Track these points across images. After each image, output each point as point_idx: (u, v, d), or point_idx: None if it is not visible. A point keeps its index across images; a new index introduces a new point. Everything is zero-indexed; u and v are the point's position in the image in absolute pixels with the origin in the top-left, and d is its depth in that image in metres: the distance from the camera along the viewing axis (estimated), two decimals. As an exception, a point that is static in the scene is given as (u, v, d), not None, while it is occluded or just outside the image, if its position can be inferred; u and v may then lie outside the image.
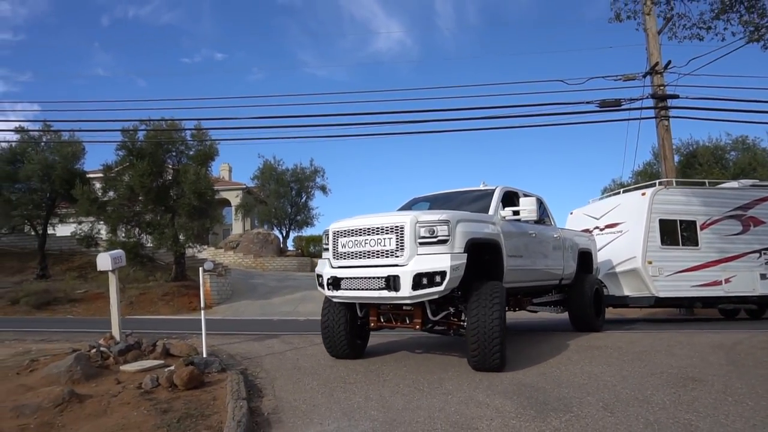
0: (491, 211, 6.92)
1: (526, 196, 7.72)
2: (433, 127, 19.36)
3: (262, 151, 41.74)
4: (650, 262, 11.35)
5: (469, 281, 5.75)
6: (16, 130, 21.03)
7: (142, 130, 19.61)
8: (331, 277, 6.06)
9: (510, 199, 7.50)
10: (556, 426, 3.90)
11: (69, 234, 25.65)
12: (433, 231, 5.50)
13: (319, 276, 6.41)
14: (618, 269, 11.72)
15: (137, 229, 20.11)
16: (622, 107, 17.94)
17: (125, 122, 20.08)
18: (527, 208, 6.78)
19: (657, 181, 12.57)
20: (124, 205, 19.80)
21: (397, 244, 5.59)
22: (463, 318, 6.03)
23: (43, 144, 21.61)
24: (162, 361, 6.50)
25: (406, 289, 5.40)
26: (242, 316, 17.83)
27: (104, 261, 6.91)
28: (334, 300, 6.37)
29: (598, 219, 12.84)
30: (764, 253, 12.30)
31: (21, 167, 20.10)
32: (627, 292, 11.65)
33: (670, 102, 17.53)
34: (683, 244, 11.88)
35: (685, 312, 14.90)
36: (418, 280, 5.36)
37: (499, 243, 6.44)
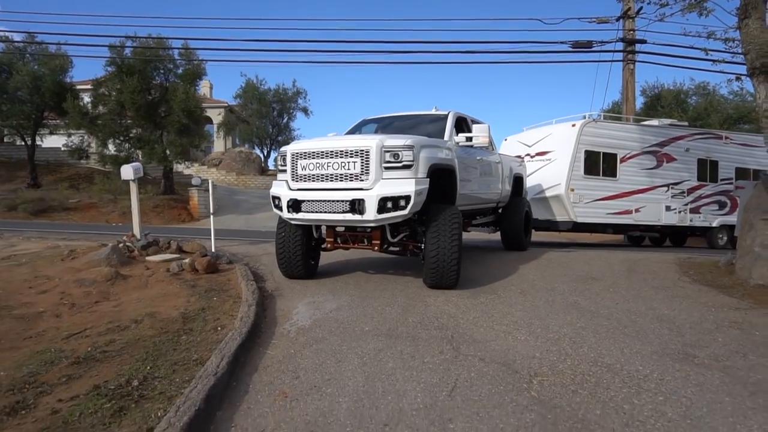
0: (446, 137, 7.01)
1: (474, 122, 8.11)
2: (412, 58, 20.14)
3: (246, 71, 41.44)
4: (572, 190, 12.24)
5: (426, 205, 5.91)
6: (1, 40, 21.12)
7: (129, 47, 20.00)
8: (291, 199, 5.95)
9: (459, 125, 7.73)
10: (482, 301, 5.62)
11: (57, 146, 26.29)
12: (398, 156, 5.56)
13: (276, 198, 6.26)
14: (544, 194, 12.55)
15: (127, 144, 20.96)
16: (594, 49, 19.13)
17: (112, 38, 20.38)
18: (480, 134, 6.92)
19: (586, 114, 13.17)
20: (113, 120, 20.52)
21: (361, 168, 5.60)
22: (418, 240, 6.31)
23: (28, 55, 21.75)
24: (178, 255, 8.01)
25: (371, 213, 5.47)
26: (230, 227, 19.31)
27: (127, 172, 8.17)
28: (293, 222, 6.28)
29: (530, 146, 13.49)
30: (672, 188, 13.53)
31: (9, 78, 20.42)
32: (549, 217, 12.63)
33: (638, 47, 18.69)
34: (603, 175, 12.73)
35: (628, 240, 16.76)
36: (383, 204, 5.46)
37: (454, 168, 6.64)
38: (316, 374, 3.69)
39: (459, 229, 5.85)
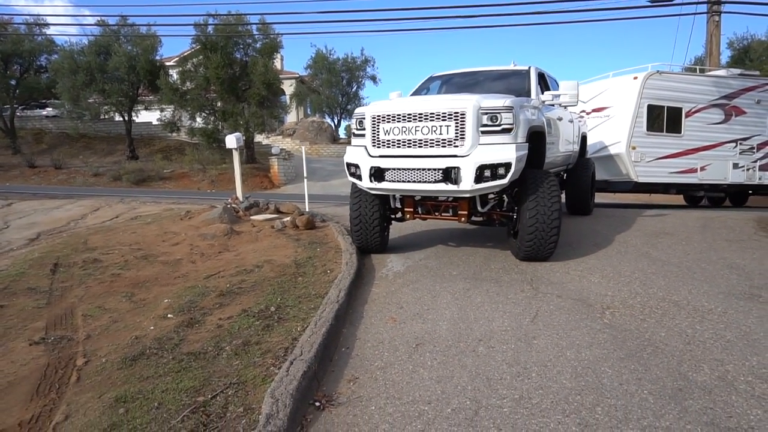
0: (533, 95, 6.43)
1: (551, 78, 7.69)
2: (479, 22, 20.03)
3: (315, 41, 42.42)
4: (634, 148, 11.55)
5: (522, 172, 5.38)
6: (99, 24, 23.15)
7: (211, 24, 21.27)
8: (373, 167, 5.42)
9: (540, 82, 7.11)
10: (558, 251, 5.91)
11: (148, 120, 28.56)
12: (497, 119, 5.01)
13: (353, 166, 5.69)
14: (601, 153, 11.82)
15: (213, 117, 22.52)
16: (674, 2, 18.27)
17: (195, 17, 21.67)
18: (569, 92, 6.28)
19: (649, 65, 12.12)
20: (200, 95, 22.08)
21: (456, 133, 5.04)
22: (506, 209, 5.86)
23: (122, 37, 23.65)
24: (277, 215, 9.00)
25: (467, 182, 4.97)
26: (309, 193, 20.50)
27: (231, 141, 9.17)
28: (374, 192, 5.75)
29: (585, 102, 12.47)
30: (740, 143, 12.62)
31: (108, 59, 22.39)
32: (608, 177, 11.94)
33: (724, -3, 17.68)
34: (667, 131, 11.93)
35: (687, 201, 15.61)
36: (481, 173, 4.95)
37: (544, 130, 6.04)
38: (416, 306, 4.43)
39: (559, 198, 5.40)
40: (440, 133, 5.12)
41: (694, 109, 12.16)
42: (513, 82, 6.82)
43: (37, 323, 4.23)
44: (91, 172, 23.03)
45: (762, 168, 12.95)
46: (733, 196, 14.55)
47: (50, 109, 30.76)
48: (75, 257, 6.47)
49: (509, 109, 5.03)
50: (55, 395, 3.00)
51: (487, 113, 5.03)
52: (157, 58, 23.76)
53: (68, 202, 12.60)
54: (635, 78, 11.75)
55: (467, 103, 5.05)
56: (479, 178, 4.97)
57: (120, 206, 11.76)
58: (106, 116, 25.91)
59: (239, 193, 9.53)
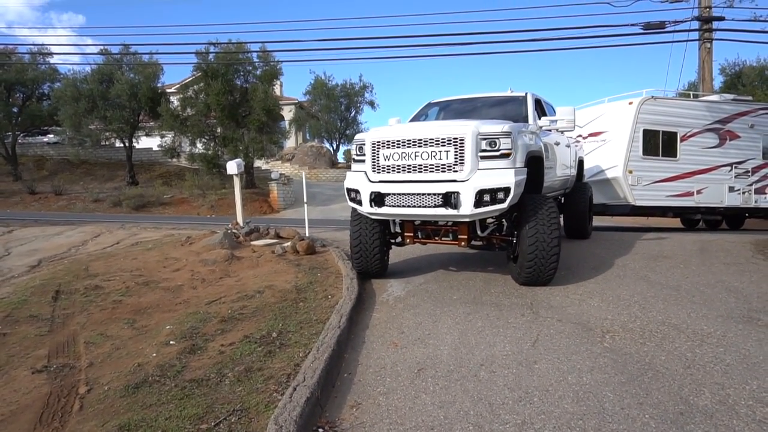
0: (530, 120, 6.51)
1: (547, 104, 7.71)
2: (476, 50, 20.45)
3: (314, 68, 43.09)
4: (631, 171, 11.65)
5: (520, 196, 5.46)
6: (102, 53, 23.53)
7: (212, 52, 21.64)
8: (373, 192, 5.45)
9: (536, 107, 7.18)
10: (557, 275, 5.97)
11: (148, 146, 28.79)
12: (495, 144, 5.08)
13: (354, 191, 5.71)
14: (598, 177, 11.89)
15: (213, 143, 22.73)
16: (667, 29, 18.67)
17: (197, 45, 22.09)
18: (565, 117, 6.42)
19: (644, 90, 12.28)
20: (201, 121, 22.33)
21: (455, 158, 5.11)
22: (505, 234, 5.94)
23: (124, 65, 24.03)
24: (277, 240, 9.05)
25: (467, 207, 5.02)
26: (309, 218, 20.57)
27: (232, 167, 9.27)
28: (374, 217, 5.82)
29: (581, 127, 12.43)
30: (735, 167, 12.74)
31: (110, 87, 22.69)
32: (605, 200, 11.97)
33: (715, 24, 18.08)
34: (663, 155, 12.03)
35: (683, 224, 15.67)
36: (480, 197, 5.01)
37: (542, 155, 6.14)
38: (417, 330, 4.45)
39: (558, 222, 5.45)
40: (440, 159, 5.19)
41: (689, 134, 12.30)
42: (510, 109, 6.94)
43: (40, 351, 4.24)
44: (91, 198, 23.13)
45: (757, 191, 13.02)
46: (730, 219, 14.61)
47: (51, 135, 31.01)
48: (76, 284, 6.49)
49: (507, 134, 5.11)
50: (58, 424, 3.00)
51: (485, 138, 5.11)
52: (159, 85, 24.11)
53: (69, 228, 12.65)
54: (630, 103, 11.93)
55: (466, 128, 5.14)
56: (479, 202, 5.03)
57: (121, 232, 11.80)
58: (107, 142, 26.12)
59: (239, 219, 9.59)
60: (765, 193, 13.16)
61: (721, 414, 2.83)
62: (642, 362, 3.55)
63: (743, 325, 4.25)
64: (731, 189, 12.67)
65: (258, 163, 28.64)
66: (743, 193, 12.83)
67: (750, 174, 12.93)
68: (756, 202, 13.01)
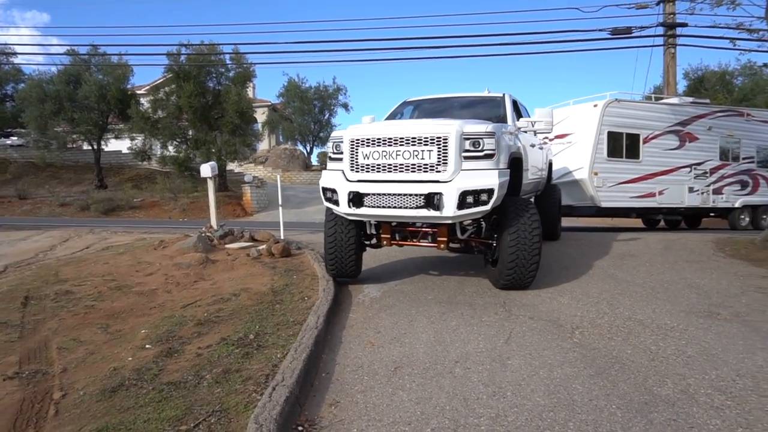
0: (509, 122, 6.40)
1: (522, 106, 7.75)
2: (448, 53, 20.70)
3: (287, 70, 42.89)
4: (596, 173, 11.78)
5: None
6: (68, 53, 23.01)
7: (184, 54, 21.38)
8: (352, 192, 5.27)
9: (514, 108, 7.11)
10: None
11: (118, 149, 28.20)
12: (479, 144, 4.98)
13: (330, 191, 5.52)
14: (565, 179, 11.95)
15: (184, 146, 22.43)
16: (633, 35, 19.23)
17: (168, 46, 21.80)
18: (544, 119, 6.32)
19: (608, 93, 12.44)
20: (172, 123, 22.01)
21: (438, 158, 4.97)
22: (484, 236, 5.76)
23: (92, 66, 23.51)
24: (252, 243, 9.01)
25: (449, 209, 4.89)
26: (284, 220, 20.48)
27: (206, 170, 9.18)
28: (351, 218, 5.64)
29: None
30: (695, 168, 13.04)
31: (78, 88, 22.18)
32: (571, 202, 12.05)
33: (678, 30, 18.71)
34: (627, 157, 12.23)
35: (645, 224, 16.17)
36: (463, 199, 4.89)
37: (522, 156, 6.09)
38: (393, 330, 4.53)
39: (540, 227, 5.34)
40: (422, 158, 5.04)
41: (651, 136, 12.54)
42: (488, 109, 6.88)
43: (10, 357, 4.16)
44: (57, 202, 22.54)
45: (715, 192, 13.41)
46: (689, 219, 15.13)
47: (15, 138, 30.11)
48: (46, 289, 6.36)
49: (491, 134, 5.02)
50: (33, 430, 2.97)
51: (469, 138, 4.99)
52: (129, 86, 23.67)
53: (35, 233, 12.32)
54: (595, 105, 12.08)
55: (450, 128, 5.01)
56: (462, 204, 4.91)
57: (90, 236, 11.56)
58: (74, 145, 25.49)
59: (213, 222, 9.52)
60: (722, 194, 13.58)
61: (683, 402, 2.98)
62: (609, 356, 3.70)
63: (704, 319, 4.45)
64: (691, 189, 13.00)
65: (231, 165, 28.33)
66: (702, 193, 13.19)
67: (708, 175, 13.30)
68: (714, 202, 13.42)
